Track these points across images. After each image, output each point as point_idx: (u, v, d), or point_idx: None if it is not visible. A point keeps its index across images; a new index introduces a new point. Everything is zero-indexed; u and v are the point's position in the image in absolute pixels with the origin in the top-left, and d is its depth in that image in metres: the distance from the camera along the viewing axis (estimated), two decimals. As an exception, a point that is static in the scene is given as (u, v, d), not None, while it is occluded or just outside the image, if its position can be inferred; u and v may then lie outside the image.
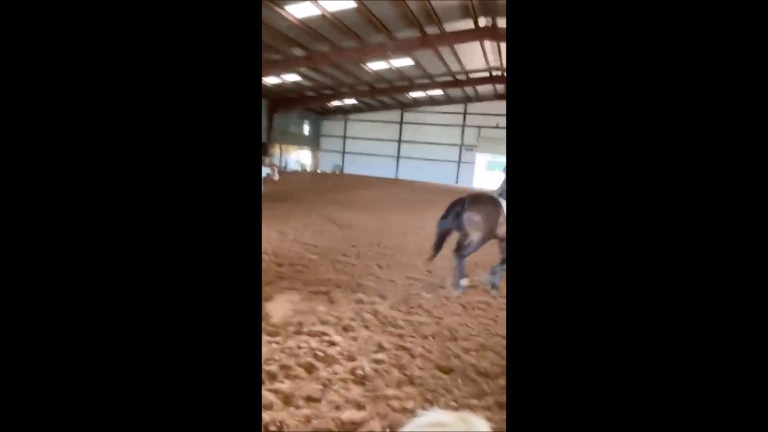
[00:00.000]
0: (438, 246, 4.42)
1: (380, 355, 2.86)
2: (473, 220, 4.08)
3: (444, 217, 4.29)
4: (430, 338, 3.22)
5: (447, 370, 2.77)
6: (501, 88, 21.41)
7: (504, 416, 2.41)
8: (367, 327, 3.29)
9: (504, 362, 3.00)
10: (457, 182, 26.12)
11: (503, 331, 3.48)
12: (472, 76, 19.27)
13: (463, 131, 26.06)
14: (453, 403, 2.48)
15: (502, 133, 23.61)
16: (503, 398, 2.63)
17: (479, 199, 4.19)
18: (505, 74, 18.17)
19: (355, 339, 3.06)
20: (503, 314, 3.85)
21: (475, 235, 4.13)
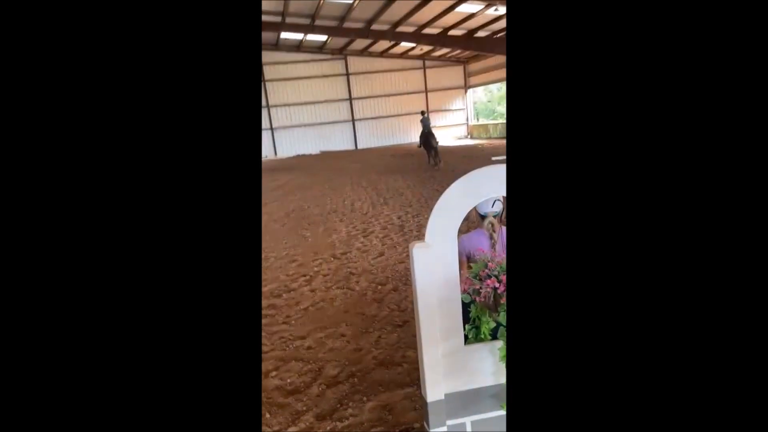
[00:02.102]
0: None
1: None
2: None
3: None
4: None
5: (249, 411, 2.29)
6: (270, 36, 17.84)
7: (326, 426, 2.23)
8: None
9: (311, 365, 2.73)
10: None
11: (301, 331, 3.13)
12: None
13: None
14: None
15: None
16: (321, 407, 2.37)
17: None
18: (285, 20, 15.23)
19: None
20: (293, 311, 3.49)
21: None
